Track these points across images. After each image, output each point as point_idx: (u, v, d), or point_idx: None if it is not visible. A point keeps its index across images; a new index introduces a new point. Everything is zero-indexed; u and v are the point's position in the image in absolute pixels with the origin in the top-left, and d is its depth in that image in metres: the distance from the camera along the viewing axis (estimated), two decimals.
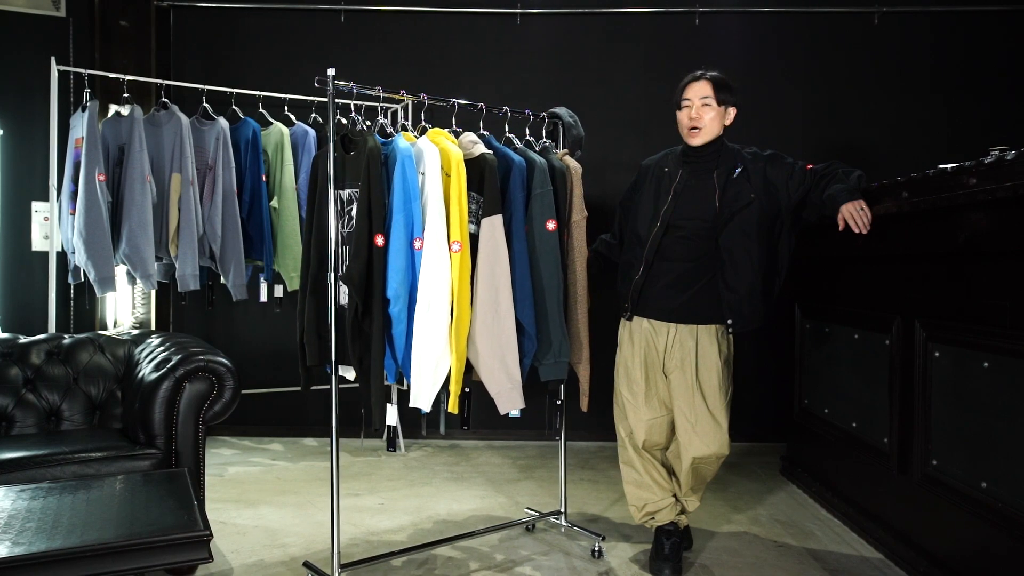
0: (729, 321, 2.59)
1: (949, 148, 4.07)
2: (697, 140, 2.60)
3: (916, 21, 4.50)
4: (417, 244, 2.41)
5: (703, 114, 2.57)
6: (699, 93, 2.58)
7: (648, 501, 2.71)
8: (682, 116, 2.63)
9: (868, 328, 2.99)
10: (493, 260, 2.48)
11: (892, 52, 4.51)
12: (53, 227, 3.79)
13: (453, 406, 2.47)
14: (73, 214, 3.55)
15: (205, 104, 3.89)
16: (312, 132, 4.13)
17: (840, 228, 2.44)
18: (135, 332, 3.20)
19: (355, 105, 2.65)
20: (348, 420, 4.49)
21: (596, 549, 2.82)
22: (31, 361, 2.85)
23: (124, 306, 4.27)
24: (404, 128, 2.65)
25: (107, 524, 1.75)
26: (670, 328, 2.63)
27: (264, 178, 3.98)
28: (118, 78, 3.78)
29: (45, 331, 3.56)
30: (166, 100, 3.81)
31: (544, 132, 2.93)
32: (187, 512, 1.84)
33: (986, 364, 2.26)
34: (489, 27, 4.61)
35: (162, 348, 2.79)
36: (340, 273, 2.44)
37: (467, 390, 2.55)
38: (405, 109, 4.37)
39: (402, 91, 2.66)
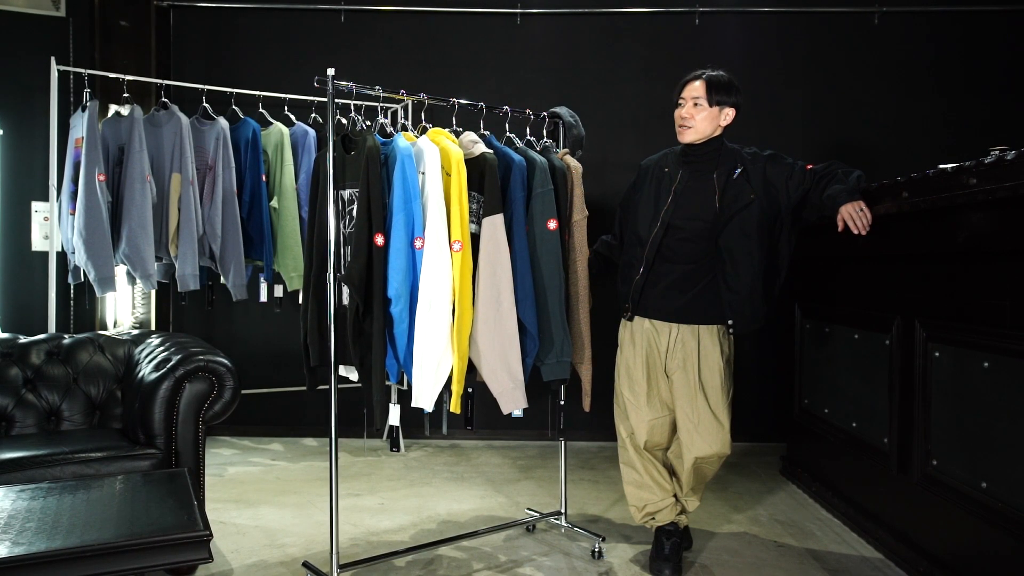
0: (730, 321, 2.59)
1: (949, 148, 4.07)
2: (685, 137, 2.64)
3: (916, 21, 4.50)
4: (418, 243, 2.41)
5: (693, 113, 2.61)
6: (692, 93, 2.62)
7: (648, 501, 2.72)
8: (676, 114, 2.67)
9: (868, 328, 2.99)
10: (494, 259, 2.47)
11: (892, 52, 4.51)
12: (53, 227, 3.79)
13: (455, 406, 2.47)
14: (73, 214, 3.55)
15: (205, 104, 3.89)
16: (312, 132, 4.13)
17: (840, 229, 2.44)
18: (135, 332, 3.20)
19: (355, 105, 2.65)
20: (348, 420, 4.48)
21: (596, 549, 2.82)
22: (31, 361, 2.85)
23: (124, 306, 4.27)
24: (404, 128, 2.65)
25: (107, 524, 1.75)
26: (672, 328, 2.63)
27: (264, 178, 3.98)
28: (118, 78, 3.78)
29: (45, 331, 3.56)
30: (166, 100, 3.81)
31: (545, 132, 2.93)
32: (187, 512, 1.84)
33: (986, 364, 2.26)
34: (489, 27, 4.61)
35: (162, 348, 2.79)
36: (340, 273, 2.44)
37: (470, 390, 2.55)
38: (405, 109, 4.37)
39: (402, 91, 2.66)
